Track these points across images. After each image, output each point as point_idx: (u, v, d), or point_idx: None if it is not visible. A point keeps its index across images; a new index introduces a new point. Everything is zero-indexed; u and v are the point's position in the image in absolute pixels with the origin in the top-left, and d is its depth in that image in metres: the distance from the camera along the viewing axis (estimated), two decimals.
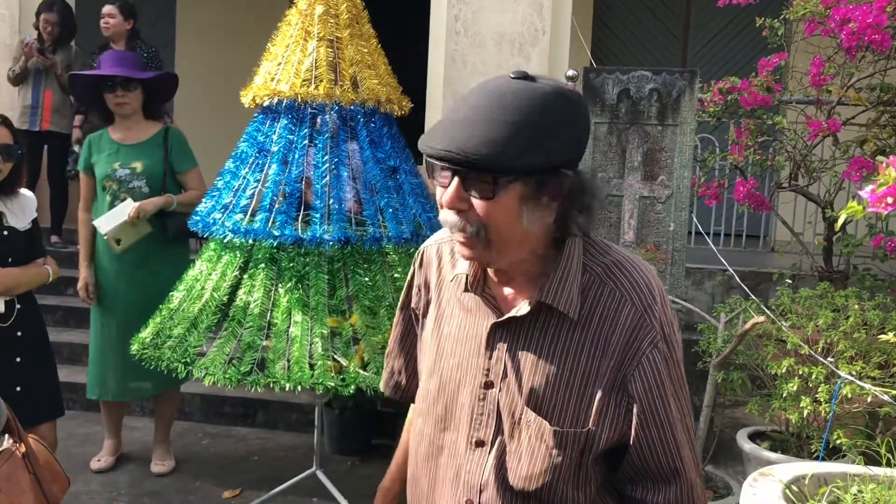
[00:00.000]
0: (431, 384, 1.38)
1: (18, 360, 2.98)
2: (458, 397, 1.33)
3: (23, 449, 1.89)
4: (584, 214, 1.26)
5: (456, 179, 1.19)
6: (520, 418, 1.27)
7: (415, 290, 1.51)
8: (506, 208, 1.19)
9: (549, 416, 1.25)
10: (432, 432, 1.37)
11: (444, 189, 1.21)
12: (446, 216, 1.24)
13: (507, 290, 1.32)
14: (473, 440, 1.31)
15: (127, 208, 3.71)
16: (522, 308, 1.27)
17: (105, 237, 3.74)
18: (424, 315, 1.47)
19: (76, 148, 5.74)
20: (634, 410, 1.25)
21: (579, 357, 1.25)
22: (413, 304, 1.52)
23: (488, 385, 1.30)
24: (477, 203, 1.19)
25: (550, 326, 1.27)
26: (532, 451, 1.27)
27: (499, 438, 1.29)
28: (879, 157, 1.86)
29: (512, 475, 1.28)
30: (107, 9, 5.51)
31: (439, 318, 1.40)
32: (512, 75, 1.21)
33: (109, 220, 3.72)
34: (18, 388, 2.96)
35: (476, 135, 1.15)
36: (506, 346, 1.29)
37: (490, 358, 1.31)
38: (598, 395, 1.24)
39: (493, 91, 1.19)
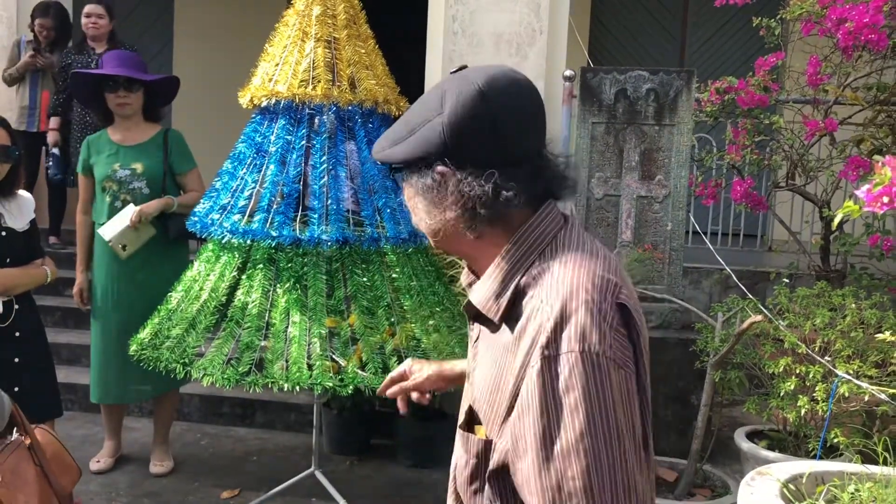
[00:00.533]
0: None
1: (17, 360, 2.99)
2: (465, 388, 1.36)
3: (28, 441, 1.89)
4: (492, 212, 1.16)
5: None
6: (462, 416, 1.27)
7: None
8: (409, 201, 1.24)
9: (483, 420, 1.20)
10: None
11: None
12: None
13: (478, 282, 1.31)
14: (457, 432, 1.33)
15: (128, 213, 3.72)
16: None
17: (110, 244, 3.75)
18: None
19: (55, 151, 5.67)
20: (510, 430, 1.12)
21: (502, 363, 1.16)
22: None
23: (468, 377, 1.31)
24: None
25: (492, 325, 1.21)
26: (460, 449, 1.27)
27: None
28: (876, 157, 1.87)
29: (455, 469, 1.29)
30: (93, 8, 5.46)
31: None
32: (451, 70, 1.23)
33: (112, 227, 3.73)
34: (17, 389, 2.96)
35: (389, 130, 1.25)
36: (475, 338, 1.29)
37: (470, 349, 1.33)
38: (504, 405, 1.14)
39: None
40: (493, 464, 1.16)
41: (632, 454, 1.06)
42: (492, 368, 1.18)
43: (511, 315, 1.16)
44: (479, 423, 1.21)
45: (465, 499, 1.25)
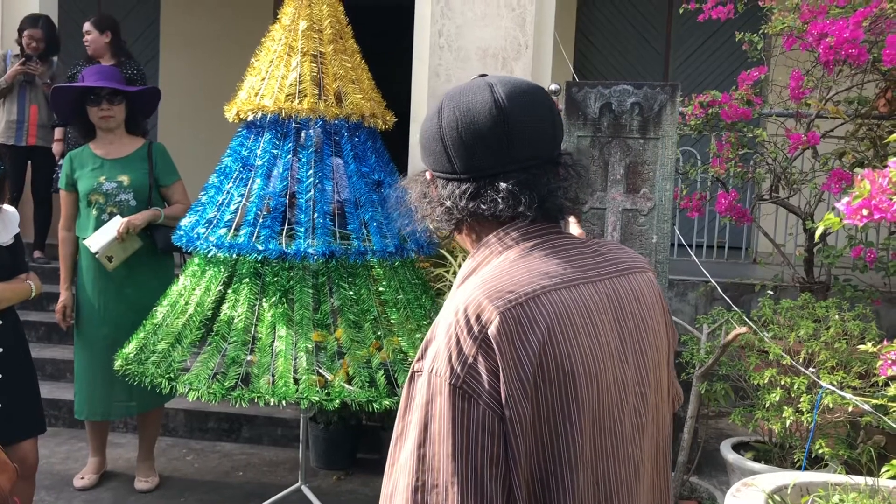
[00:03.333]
0: None
1: (0, 376, 2.96)
2: None
3: None
4: (476, 221, 1.21)
5: None
6: None
7: None
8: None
9: None
10: None
11: None
12: None
13: None
14: None
15: (115, 224, 3.70)
16: None
17: (97, 256, 3.73)
18: None
19: (62, 162, 5.67)
20: None
21: None
22: None
23: None
24: None
25: None
26: None
27: None
28: (858, 169, 1.90)
29: None
30: (85, 26, 5.43)
31: None
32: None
33: (99, 239, 3.70)
34: (0, 405, 2.94)
35: None
36: None
37: None
38: None
39: None
40: None
41: (456, 490, 1.04)
42: None
43: None
44: None
45: None
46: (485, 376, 1.06)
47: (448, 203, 1.20)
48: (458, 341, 1.07)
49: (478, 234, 1.23)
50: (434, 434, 1.06)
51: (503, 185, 1.16)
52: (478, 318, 1.08)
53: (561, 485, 1.09)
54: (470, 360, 1.06)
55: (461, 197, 1.18)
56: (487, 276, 1.13)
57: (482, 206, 1.17)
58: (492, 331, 1.07)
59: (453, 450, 1.04)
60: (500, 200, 1.16)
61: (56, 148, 5.73)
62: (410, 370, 1.12)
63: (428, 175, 1.26)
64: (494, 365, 1.06)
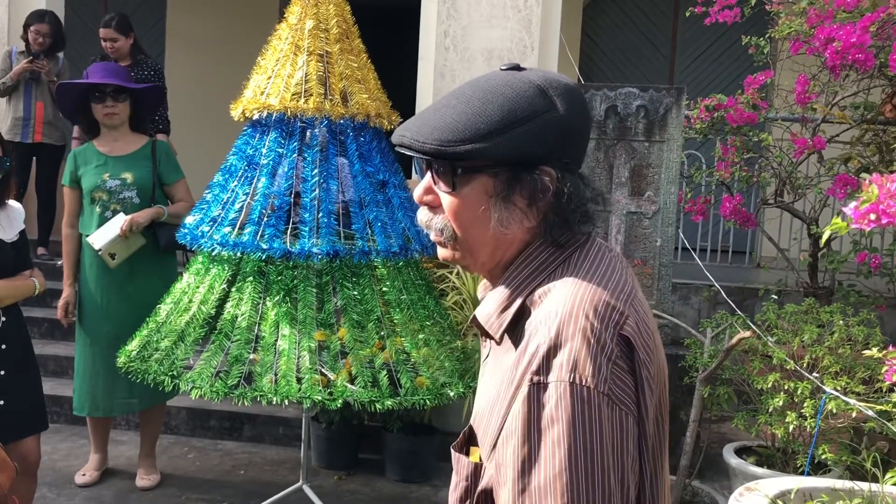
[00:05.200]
0: None
1: (3, 373, 2.96)
2: None
3: None
4: (569, 222, 1.10)
5: (429, 172, 1.12)
6: (460, 436, 1.20)
7: None
8: (471, 204, 1.09)
9: (480, 442, 1.13)
10: None
11: None
12: (418, 213, 1.17)
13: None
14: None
15: (119, 222, 3.70)
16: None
17: (100, 253, 3.73)
18: None
19: None
20: (495, 455, 1.06)
21: (501, 385, 1.08)
22: None
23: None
24: (443, 198, 1.12)
25: (493, 345, 1.15)
26: (454, 472, 1.19)
27: None
28: (863, 175, 1.89)
29: (450, 491, 1.21)
30: (106, 33, 5.33)
31: None
32: (502, 67, 1.13)
33: (102, 236, 3.71)
34: (2, 402, 2.94)
35: (434, 120, 1.09)
36: (486, 354, 1.21)
37: (482, 366, 1.26)
38: (495, 428, 1.07)
39: (475, 81, 1.12)
40: (479, 488, 1.11)
41: (617, 501, 0.99)
42: (492, 389, 1.11)
43: (514, 334, 1.09)
44: (476, 445, 1.15)
45: None
46: (626, 378, 1.02)
47: (582, 199, 1.09)
48: (599, 344, 1.00)
49: (552, 233, 1.11)
50: (583, 448, 0.97)
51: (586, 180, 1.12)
52: (611, 316, 1.03)
53: (660, 485, 1.08)
54: (613, 363, 1.01)
55: (582, 191, 1.09)
56: (590, 273, 1.07)
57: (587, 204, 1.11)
58: (628, 330, 1.03)
59: (605, 462, 0.98)
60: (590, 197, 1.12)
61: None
62: (529, 382, 1.00)
63: (552, 171, 1.08)
64: (631, 365, 1.02)
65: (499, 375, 1.10)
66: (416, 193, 1.15)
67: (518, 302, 1.09)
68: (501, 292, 1.12)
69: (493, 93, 1.08)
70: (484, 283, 1.25)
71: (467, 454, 1.17)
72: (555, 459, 0.97)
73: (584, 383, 0.98)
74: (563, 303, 1.04)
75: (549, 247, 1.11)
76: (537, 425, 0.99)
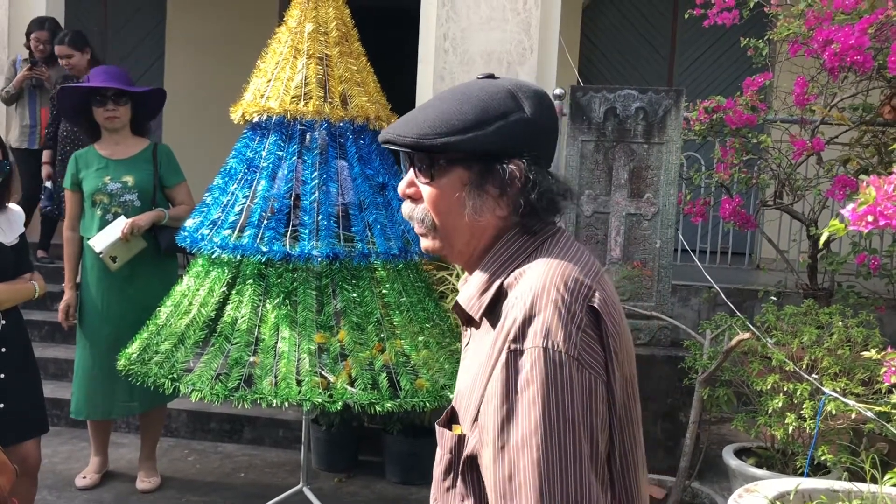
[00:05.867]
0: None
1: (3, 376, 2.97)
2: None
3: None
4: (540, 211, 1.21)
5: (410, 166, 1.24)
6: (444, 414, 1.28)
7: None
8: (446, 194, 1.21)
9: (461, 419, 1.22)
10: None
11: None
12: (403, 205, 1.28)
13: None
14: None
15: (120, 225, 3.71)
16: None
17: (101, 256, 3.73)
18: None
19: (48, 184, 5.60)
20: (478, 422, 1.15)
21: (483, 362, 1.17)
22: None
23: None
24: (422, 189, 1.23)
25: (473, 331, 1.26)
26: (438, 448, 1.27)
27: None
28: (862, 176, 1.90)
29: (434, 467, 1.29)
30: (61, 50, 5.32)
31: None
32: (478, 76, 1.26)
33: (103, 239, 3.71)
34: (2, 405, 2.94)
35: (416, 118, 1.22)
36: (468, 341, 1.29)
37: (463, 352, 1.33)
38: (476, 400, 1.16)
39: (455, 86, 1.26)
40: (463, 456, 1.19)
41: (587, 457, 1.07)
42: (473, 368, 1.20)
43: (493, 315, 1.19)
44: (457, 423, 1.24)
45: (440, 498, 1.25)
46: (594, 345, 1.11)
47: (548, 189, 1.20)
48: (569, 313, 1.11)
49: (523, 219, 1.22)
50: (556, 407, 1.07)
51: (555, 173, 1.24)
52: (580, 290, 1.13)
53: (632, 449, 1.18)
54: (583, 330, 1.11)
55: (549, 182, 1.20)
56: (560, 256, 1.18)
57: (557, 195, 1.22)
58: (596, 301, 1.14)
59: (575, 420, 1.07)
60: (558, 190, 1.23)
61: (44, 171, 5.63)
62: (507, 349, 1.10)
63: (520, 164, 1.19)
64: (599, 334, 1.13)
65: (479, 356, 1.19)
66: (400, 187, 1.26)
67: (496, 284, 1.20)
68: (480, 276, 1.22)
69: (469, 95, 1.21)
70: (464, 278, 1.34)
71: (448, 428, 1.25)
72: (530, 417, 1.07)
73: (556, 348, 1.08)
74: (537, 279, 1.14)
75: (523, 235, 1.22)
76: (514, 387, 1.09)
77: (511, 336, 1.11)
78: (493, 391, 1.11)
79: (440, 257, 3.98)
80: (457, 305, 1.25)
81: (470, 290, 1.23)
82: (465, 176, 1.20)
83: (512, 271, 1.19)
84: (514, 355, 1.10)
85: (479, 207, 1.20)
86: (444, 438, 1.23)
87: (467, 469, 1.19)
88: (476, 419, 1.16)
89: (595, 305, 1.13)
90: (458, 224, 1.22)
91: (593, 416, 1.09)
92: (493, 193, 1.20)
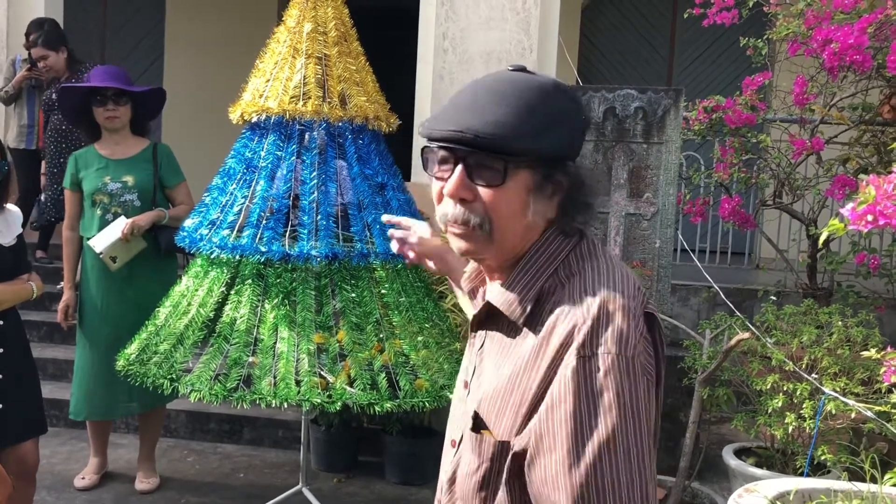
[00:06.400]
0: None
1: (1, 377, 2.96)
2: (456, 395, 1.34)
3: None
4: (581, 213, 1.22)
5: (460, 167, 1.16)
6: (469, 420, 1.23)
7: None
8: (513, 198, 1.16)
9: (492, 424, 1.18)
10: (447, 428, 1.37)
11: (444, 181, 1.18)
12: (446, 208, 1.20)
13: (494, 285, 1.28)
14: (451, 439, 1.31)
15: (120, 225, 3.71)
16: (480, 306, 1.25)
17: (101, 256, 3.73)
18: None
19: (41, 197, 5.58)
20: (532, 428, 1.12)
21: (523, 366, 1.16)
22: None
23: (465, 384, 1.29)
24: (484, 192, 1.16)
25: (508, 330, 1.21)
26: (468, 455, 1.22)
27: (462, 440, 1.26)
28: (862, 176, 1.90)
29: (458, 478, 1.25)
30: (37, 52, 5.27)
31: None
32: (510, 67, 1.21)
33: (103, 239, 3.71)
34: (1, 406, 2.94)
35: (484, 115, 1.13)
36: (479, 345, 1.26)
37: (469, 356, 1.30)
38: (526, 406, 1.14)
39: (493, 80, 1.19)
40: (509, 466, 1.16)
41: (650, 459, 1.10)
42: (506, 372, 1.17)
43: (533, 318, 1.17)
44: (485, 429, 1.19)
45: None
46: (650, 350, 1.15)
47: (591, 190, 1.21)
48: (635, 319, 1.12)
49: (566, 222, 1.22)
50: (630, 412, 1.08)
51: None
52: (638, 296, 1.16)
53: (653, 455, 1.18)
54: (643, 338, 1.13)
55: (591, 183, 1.22)
56: (607, 260, 1.20)
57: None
58: (650, 307, 1.17)
59: (643, 425, 1.09)
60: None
61: (42, 181, 5.59)
62: (577, 355, 1.09)
63: (573, 165, 1.20)
64: (653, 338, 1.16)
65: (512, 359, 1.17)
66: (452, 189, 1.17)
67: (537, 287, 1.18)
68: (520, 279, 1.20)
69: (531, 94, 1.16)
70: (469, 275, 1.33)
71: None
72: (608, 423, 1.07)
73: (628, 353, 1.10)
74: (599, 284, 1.15)
75: (559, 235, 1.21)
76: (589, 394, 1.08)
77: (579, 341, 1.10)
78: (559, 398, 1.09)
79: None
80: (489, 306, 1.22)
81: (508, 294, 1.20)
82: (530, 179, 1.16)
83: (551, 274, 1.19)
84: (586, 361, 1.09)
85: (539, 212, 1.18)
86: (485, 446, 1.19)
87: (513, 478, 1.16)
88: (522, 426, 1.13)
89: (651, 311, 1.16)
90: (516, 227, 1.19)
91: (651, 422, 1.12)
92: (549, 196, 1.18)
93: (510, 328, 1.20)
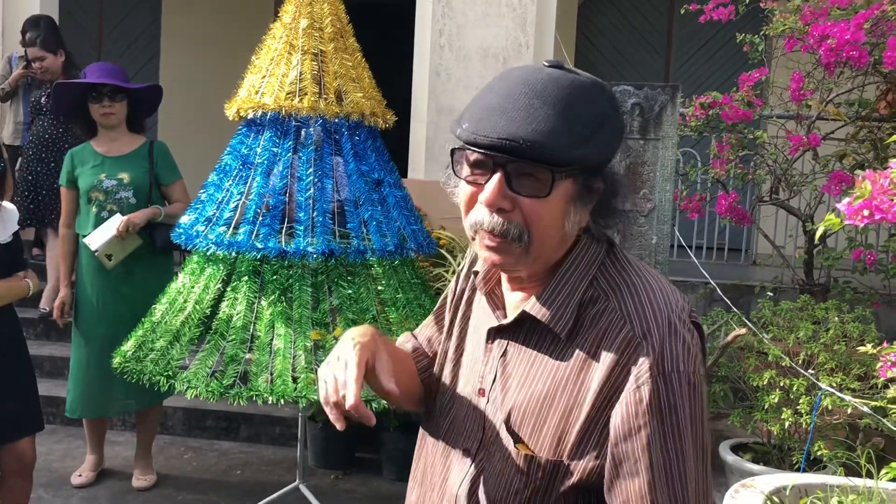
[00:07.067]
0: (446, 382, 1.32)
1: None
2: (463, 401, 1.27)
3: None
4: (612, 217, 1.18)
5: (499, 174, 1.08)
6: (496, 434, 1.18)
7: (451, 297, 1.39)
8: (555, 208, 1.10)
9: (527, 438, 1.14)
10: (442, 432, 1.30)
11: (477, 186, 1.11)
12: (481, 217, 1.11)
13: (517, 294, 1.22)
14: (462, 448, 1.24)
15: (115, 222, 3.70)
16: (511, 316, 1.19)
17: (96, 254, 3.72)
18: (451, 326, 1.36)
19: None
20: (609, 451, 1.10)
21: (565, 379, 1.12)
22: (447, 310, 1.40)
23: (481, 392, 1.23)
24: (526, 202, 1.09)
25: (541, 340, 1.16)
26: (501, 470, 1.17)
27: (481, 451, 1.21)
28: (858, 171, 1.90)
29: (483, 492, 1.19)
30: (34, 52, 5.18)
31: (466, 329, 1.33)
32: (546, 63, 1.13)
33: (99, 237, 3.70)
34: None
35: (531, 122, 1.05)
36: (500, 353, 1.20)
37: (486, 364, 1.23)
38: (579, 424, 1.11)
39: (531, 79, 1.10)
40: (569, 483, 1.12)
41: (708, 464, 1.12)
42: (541, 387, 1.14)
43: (575, 330, 1.13)
44: (521, 442, 1.16)
45: None
46: (703, 358, 1.14)
47: (623, 195, 1.17)
48: (690, 333, 1.11)
49: (597, 229, 1.20)
50: (701, 428, 1.09)
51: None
52: (686, 309, 1.14)
53: None
54: (698, 349, 1.12)
55: (623, 188, 1.17)
56: (645, 271, 1.18)
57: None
58: (696, 319, 1.15)
59: (707, 436, 1.11)
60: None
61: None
62: (652, 374, 1.07)
63: (608, 171, 1.16)
64: (702, 347, 1.15)
65: (549, 372, 1.14)
66: (491, 198, 1.09)
67: (578, 297, 1.14)
68: (561, 289, 1.15)
69: (573, 98, 1.09)
70: (483, 277, 1.26)
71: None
72: (685, 442, 1.07)
73: (693, 370, 1.09)
74: (649, 299, 1.12)
75: (593, 243, 1.18)
76: (668, 415, 1.07)
77: (651, 361, 1.07)
78: (635, 420, 1.07)
79: (437, 254, 3.95)
80: (527, 315, 1.16)
81: (548, 305, 1.14)
82: (572, 188, 1.11)
83: (590, 282, 1.15)
84: (662, 381, 1.07)
85: (576, 221, 1.13)
86: (534, 465, 1.14)
87: (569, 496, 1.14)
88: (577, 445, 1.11)
89: (696, 320, 1.15)
90: (556, 238, 1.13)
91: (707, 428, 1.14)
92: (588, 204, 1.14)
93: (543, 339, 1.16)
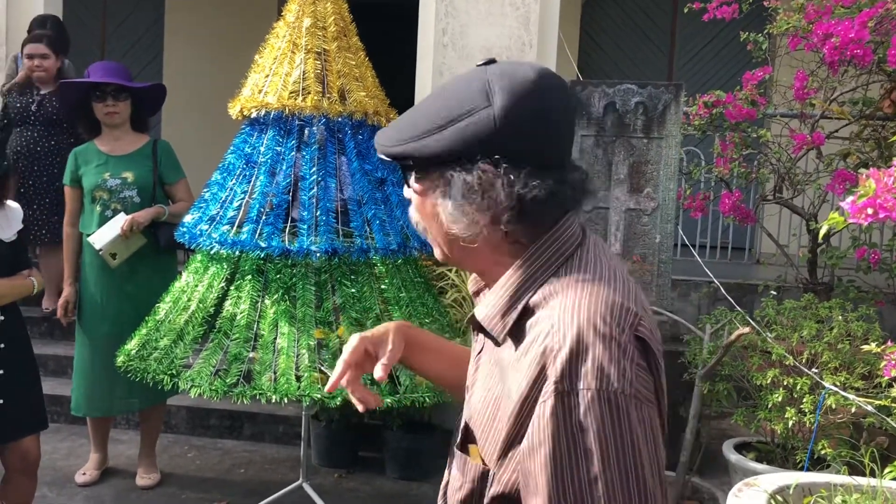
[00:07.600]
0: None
1: (1, 372, 2.96)
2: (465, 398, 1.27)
3: None
4: (521, 219, 1.06)
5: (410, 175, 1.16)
6: (459, 434, 1.18)
7: None
8: (426, 204, 1.12)
9: (479, 442, 1.12)
10: None
11: None
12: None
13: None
14: (452, 449, 1.25)
15: (119, 221, 3.70)
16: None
17: (100, 253, 3.73)
18: None
19: None
20: (518, 467, 1.05)
21: (499, 382, 1.09)
22: None
23: (467, 389, 1.23)
24: (413, 199, 1.16)
25: (492, 345, 1.14)
26: (454, 469, 1.19)
27: (453, 452, 1.21)
28: (862, 170, 1.90)
29: (448, 494, 1.21)
30: (35, 48, 4.95)
31: None
32: (478, 63, 1.11)
33: (103, 235, 3.70)
34: (1, 402, 2.94)
35: (395, 122, 1.14)
36: (478, 351, 1.20)
37: (472, 361, 1.23)
38: (503, 435, 1.06)
39: (445, 82, 1.16)
40: (491, 493, 1.09)
41: (654, 490, 1.00)
42: (491, 386, 1.12)
43: (516, 332, 1.08)
44: (474, 443, 1.14)
45: None
46: (646, 376, 1.03)
47: (532, 195, 1.04)
48: (620, 347, 1.01)
49: (527, 234, 1.10)
50: (615, 451, 0.98)
51: (568, 176, 1.09)
52: (626, 318, 1.03)
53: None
54: (635, 364, 1.01)
55: (541, 188, 1.05)
56: (596, 276, 1.07)
57: (560, 197, 1.08)
58: (643, 331, 1.04)
59: (638, 459, 0.99)
60: (574, 191, 1.10)
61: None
62: (555, 391, 0.99)
63: (489, 167, 1.05)
64: (648, 362, 1.03)
65: (495, 374, 1.11)
66: (405, 192, 1.19)
67: (521, 304, 1.08)
68: (501, 293, 1.10)
69: (444, 91, 1.11)
70: (473, 277, 1.25)
71: (465, 451, 1.16)
72: (589, 468, 0.98)
73: (610, 388, 0.98)
74: (577, 306, 1.03)
75: (553, 243, 1.10)
76: (567, 436, 0.99)
77: (556, 375, 0.99)
78: (539, 439, 1.00)
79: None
80: (473, 319, 1.15)
81: (489, 308, 1.11)
82: (439, 182, 1.09)
83: (538, 287, 1.08)
84: (563, 398, 0.99)
85: (455, 217, 1.08)
86: (468, 467, 1.14)
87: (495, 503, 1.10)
88: (504, 455, 1.07)
89: (642, 335, 1.03)
90: (441, 234, 1.13)
91: (656, 449, 1.02)
92: (464, 200, 1.06)
93: (492, 343, 1.14)
